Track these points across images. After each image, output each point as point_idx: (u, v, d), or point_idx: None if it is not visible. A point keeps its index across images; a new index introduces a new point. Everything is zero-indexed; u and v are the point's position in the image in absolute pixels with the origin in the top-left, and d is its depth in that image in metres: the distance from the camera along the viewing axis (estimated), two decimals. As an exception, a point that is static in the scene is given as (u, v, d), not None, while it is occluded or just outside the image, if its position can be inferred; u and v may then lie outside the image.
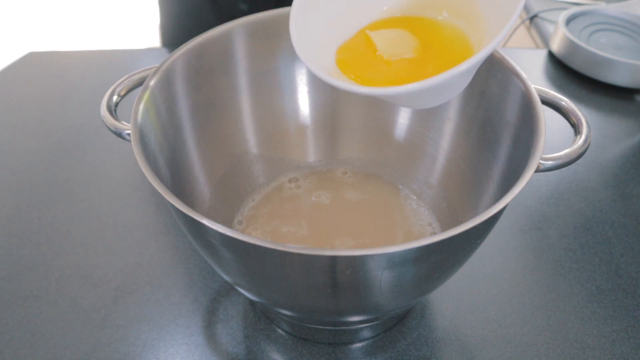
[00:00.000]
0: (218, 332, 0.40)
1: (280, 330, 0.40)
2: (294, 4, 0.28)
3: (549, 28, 0.82)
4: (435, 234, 0.36)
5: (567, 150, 0.32)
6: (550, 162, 0.31)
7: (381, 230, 0.43)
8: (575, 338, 0.40)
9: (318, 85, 0.46)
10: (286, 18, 0.42)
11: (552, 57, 0.71)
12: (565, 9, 0.80)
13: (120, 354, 0.39)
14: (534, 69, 0.70)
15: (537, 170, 0.30)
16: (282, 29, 0.42)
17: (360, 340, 0.40)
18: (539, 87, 0.35)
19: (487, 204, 0.38)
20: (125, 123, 0.33)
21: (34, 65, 0.70)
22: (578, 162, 0.39)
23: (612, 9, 0.74)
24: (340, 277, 0.27)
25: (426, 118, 0.44)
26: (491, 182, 0.38)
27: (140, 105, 0.33)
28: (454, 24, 0.31)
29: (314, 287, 0.29)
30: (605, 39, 0.69)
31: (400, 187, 0.47)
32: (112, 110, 0.35)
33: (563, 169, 0.33)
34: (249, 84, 0.44)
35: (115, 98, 0.35)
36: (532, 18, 0.87)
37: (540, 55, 0.72)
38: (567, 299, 0.42)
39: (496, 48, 0.38)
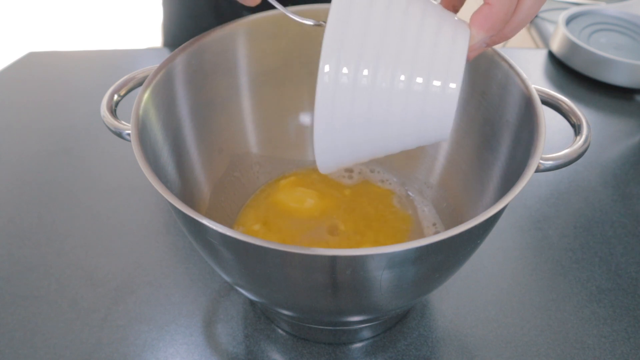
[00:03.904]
0: (218, 332, 0.40)
1: (280, 330, 0.40)
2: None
3: (549, 28, 0.82)
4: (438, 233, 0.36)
5: (567, 150, 0.32)
6: (550, 162, 0.31)
7: (382, 229, 0.43)
8: (575, 338, 0.40)
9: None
10: (286, 18, 0.42)
11: (552, 57, 0.71)
12: (565, 9, 0.80)
13: (120, 354, 0.39)
14: (534, 69, 0.70)
15: (537, 170, 0.30)
16: (282, 29, 0.42)
17: (360, 340, 0.40)
18: (539, 87, 0.35)
19: (487, 204, 0.38)
20: (125, 123, 0.33)
21: (34, 65, 0.70)
22: (578, 162, 0.39)
23: (612, 9, 0.74)
24: (340, 277, 0.27)
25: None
26: (491, 182, 0.38)
27: (140, 105, 0.33)
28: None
29: (314, 287, 0.29)
30: (605, 39, 0.69)
31: (401, 187, 0.47)
32: (112, 110, 0.35)
33: (563, 169, 0.33)
34: (249, 84, 0.44)
35: (115, 98, 0.35)
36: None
37: (540, 55, 0.72)
38: (567, 299, 0.42)
39: (496, 48, 0.38)
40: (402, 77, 0.25)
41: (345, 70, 0.25)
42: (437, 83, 0.25)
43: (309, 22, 0.31)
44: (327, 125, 0.26)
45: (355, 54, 0.25)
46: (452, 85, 0.26)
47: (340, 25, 0.25)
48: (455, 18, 0.27)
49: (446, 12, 0.27)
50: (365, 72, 0.25)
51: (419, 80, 0.25)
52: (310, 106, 0.47)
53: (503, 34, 0.28)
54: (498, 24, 0.26)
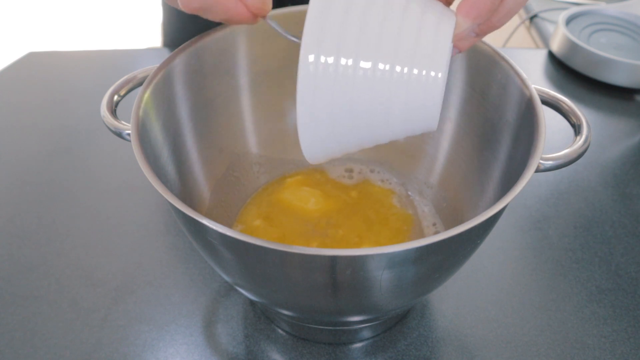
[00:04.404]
0: (218, 332, 0.40)
1: (280, 330, 0.40)
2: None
3: (549, 28, 0.82)
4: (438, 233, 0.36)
5: (567, 150, 0.32)
6: (550, 162, 0.31)
7: (382, 232, 0.43)
8: (575, 338, 0.40)
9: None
10: (286, 18, 0.42)
11: (552, 57, 0.71)
12: (565, 9, 0.80)
13: (120, 354, 0.39)
14: (534, 69, 0.70)
15: (537, 170, 0.30)
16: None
17: (360, 340, 0.40)
18: (539, 87, 0.35)
19: (487, 204, 0.38)
20: (125, 123, 0.33)
21: (34, 65, 0.70)
22: (578, 162, 0.39)
23: (612, 9, 0.74)
24: (340, 277, 0.27)
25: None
26: (491, 182, 0.38)
27: (140, 105, 0.33)
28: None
29: (314, 287, 0.29)
30: (605, 39, 0.69)
31: (401, 187, 0.47)
32: (112, 110, 0.35)
33: (563, 169, 0.33)
34: (249, 84, 0.44)
35: (115, 98, 0.35)
36: (532, 18, 0.87)
37: (540, 55, 0.72)
38: (567, 299, 0.42)
39: (496, 48, 0.38)
40: (384, 67, 0.25)
41: (325, 59, 0.24)
42: (419, 72, 0.25)
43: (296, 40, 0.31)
44: (310, 116, 0.26)
45: (335, 43, 0.24)
46: (436, 74, 0.25)
47: (320, 15, 0.24)
48: (441, 6, 0.26)
49: (432, 1, 0.26)
50: (346, 61, 0.24)
51: (400, 69, 0.25)
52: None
53: (491, 22, 0.27)
54: (485, 12, 0.26)
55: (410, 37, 0.25)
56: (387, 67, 0.25)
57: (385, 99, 0.25)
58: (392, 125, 0.27)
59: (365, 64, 0.25)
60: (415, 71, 0.25)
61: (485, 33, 0.28)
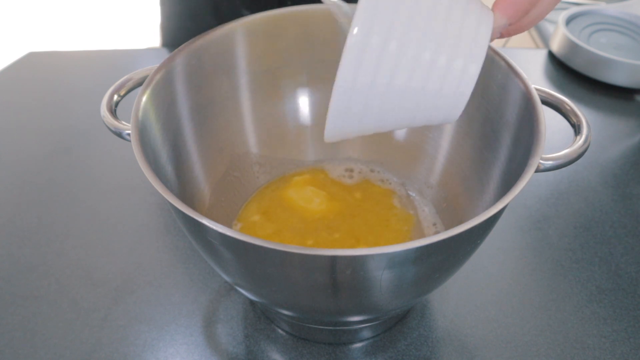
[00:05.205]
0: (218, 332, 0.40)
1: (280, 330, 0.40)
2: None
3: (549, 28, 0.82)
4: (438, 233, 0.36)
5: (567, 150, 0.32)
6: (550, 162, 0.31)
7: (382, 230, 0.43)
8: (575, 338, 0.40)
9: (318, 86, 0.46)
10: (286, 18, 0.42)
11: (552, 57, 0.71)
12: (565, 9, 0.80)
13: (120, 354, 0.39)
14: (534, 69, 0.70)
15: (537, 170, 0.30)
16: (282, 28, 0.42)
17: (360, 340, 0.40)
18: (539, 87, 0.35)
19: (487, 204, 0.38)
20: (125, 123, 0.33)
21: (34, 65, 0.70)
22: (578, 162, 0.39)
23: (612, 9, 0.74)
24: (340, 277, 0.27)
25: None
26: (491, 182, 0.38)
27: (140, 105, 0.33)
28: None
29: (314, 287, 0.29)
30: (605, 39, 0.69)
31: (401, 187, 0.47)
32: (112, 110, 0.35)
33: (563, 169, 0.33)
34: (249, 84, 0.44)
35: (115, 98, 0.35)
36: (532, 18, 0.87)
37: (540, 55, 0.72)
38: (567, 299, 0.42)
39: (496, 48, 0.38)
40: (429, 51, 0.26)
41: (374, 37, 0.25)
42: (459, 62, 0.26)
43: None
44: (348, 85, 0.27)
45: (387, 21, 0.25)
46: (474, 67, 0.26)
47: (374, 1, 0.25)
48: (480, 2, 0.28)
49: None
50: (395, 40, 0.25)
51: (444, 56, 0.26)
52: (310, 106, 0.47)
53: (520, 24, 0.28)
54: (521, 12, 0.27)
55: (455, 28, 0.26)
56: (431, 52, 0.26)
57: (422, 83, 0.27)
58: (419, 111, 0.28)
59: (412, 45, 0.26)
60: (457, 61, 0.26)
61: (509, 34, 0.29)
